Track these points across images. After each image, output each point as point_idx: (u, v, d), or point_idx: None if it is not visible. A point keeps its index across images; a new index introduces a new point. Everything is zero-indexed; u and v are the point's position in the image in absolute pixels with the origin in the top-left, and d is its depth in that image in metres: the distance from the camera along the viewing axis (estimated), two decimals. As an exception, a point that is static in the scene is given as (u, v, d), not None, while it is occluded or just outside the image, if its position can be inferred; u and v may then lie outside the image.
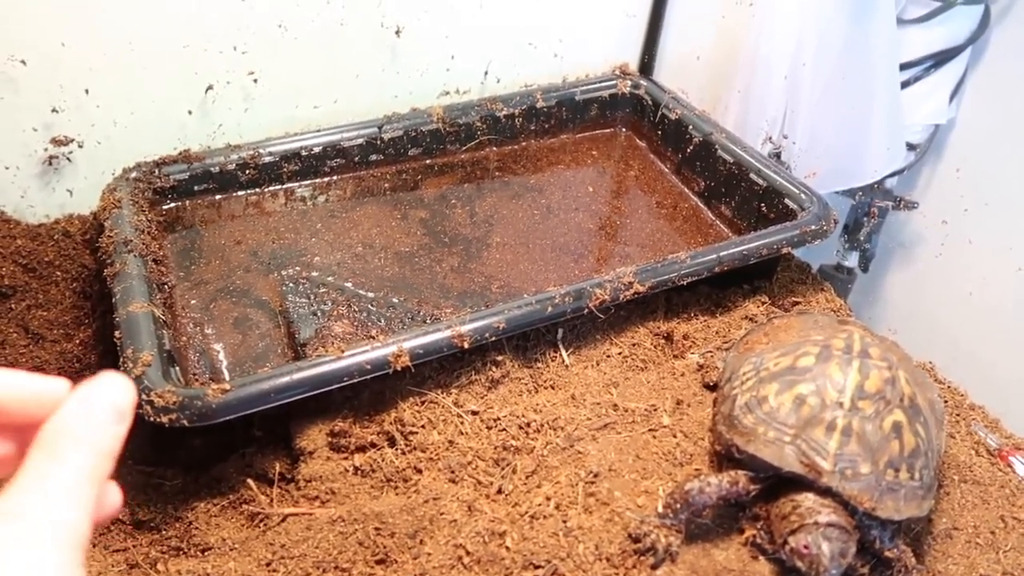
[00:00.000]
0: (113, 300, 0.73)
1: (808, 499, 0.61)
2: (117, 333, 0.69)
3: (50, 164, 0.89)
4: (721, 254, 0.82)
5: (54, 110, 0.86)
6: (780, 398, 0.65)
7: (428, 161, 1.05)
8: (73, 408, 0.32)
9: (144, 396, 0.63)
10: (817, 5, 1.04)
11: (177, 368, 0.70)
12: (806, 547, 0.58)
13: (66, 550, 0.29)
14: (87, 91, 0.87)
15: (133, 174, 0.90)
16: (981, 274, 1.18)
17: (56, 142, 0.88)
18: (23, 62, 0.82)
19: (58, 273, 0.87)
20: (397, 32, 0.99)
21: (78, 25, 0.83)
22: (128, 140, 0.91)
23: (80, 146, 0.90)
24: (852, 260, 1.30)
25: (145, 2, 0.84)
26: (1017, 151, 1.11)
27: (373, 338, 0.72)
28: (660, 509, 0.64)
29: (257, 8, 0.90)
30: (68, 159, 0.90)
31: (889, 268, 1.34)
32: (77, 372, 0.81)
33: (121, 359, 0.67)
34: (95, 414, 0.33)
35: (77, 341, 0.83)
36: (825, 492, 0.61)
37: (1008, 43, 1.10)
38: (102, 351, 0.82)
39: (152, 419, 0.62)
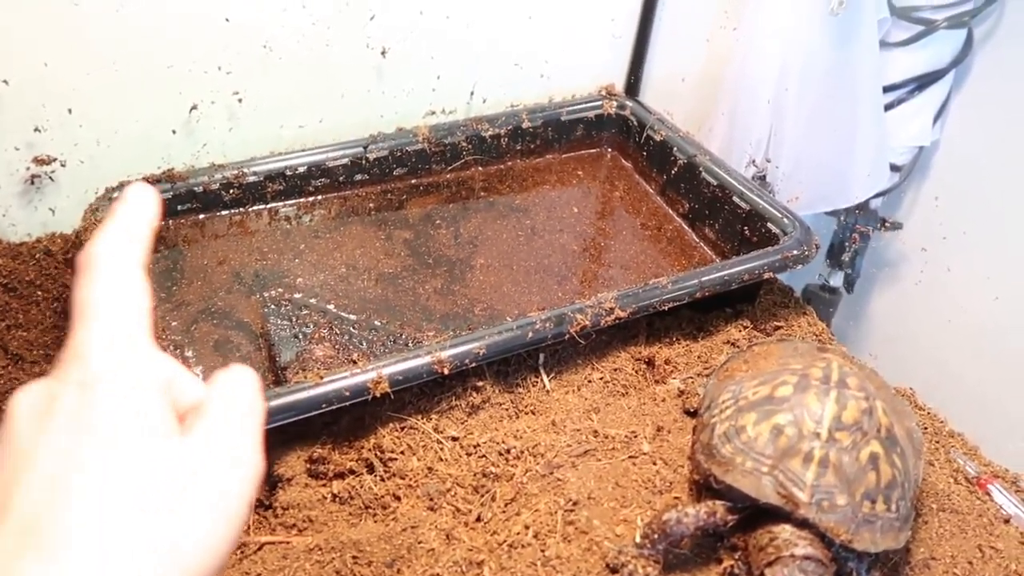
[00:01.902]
0: (92, 323, 0.73)
1: (785, 531, 0.61)
2: (95, 358, 0.69)
3: (32, 183, 0.89)
4: (703, 279, 0.82)
5: (37, 129, 0.86)
6: (758, 428, 0.65)
7: (413, 181, 1.05)
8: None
9: (120, 423, 0.62)
10: (801, 30, 1.04)
11: (155, 393, 0.69)
12: (782, 580, 0.58)
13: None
14: (70, 110, 0.86)
15: (116, 194, 0.90)
16: (959, 301, 1.19)
17: (38, 161, 0.88)
18: (5, 82, 0.82)
19: (39, 293, 0.87)
20: (383, 52, 0.99)
21: (61, 45, 0.82)
22: (111, 159, 0.91)
23: (63, 165, 0.89)
24: (837, 280, 1.31)
25: (129, 22, 0.84)
26: (995, 178, 1.12)
27: (354, 362, 0.71)
28: (638, 539, 0.64)
29: (242, 29, 0.90)
30: (50, 178, 0.90)
31: (873, 290, 1.35)
32: (56, 394, 0.80)
33: (98, 384, 0.66)
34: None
35: (58, 362, 0.82)
36: (802, 524, 0.61)
37: (990, 66, 1.11)
38: (81, 373, 0.82)
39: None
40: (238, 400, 0.36)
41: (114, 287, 0.36)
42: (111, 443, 0.31)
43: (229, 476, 0.33)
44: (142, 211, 0.40)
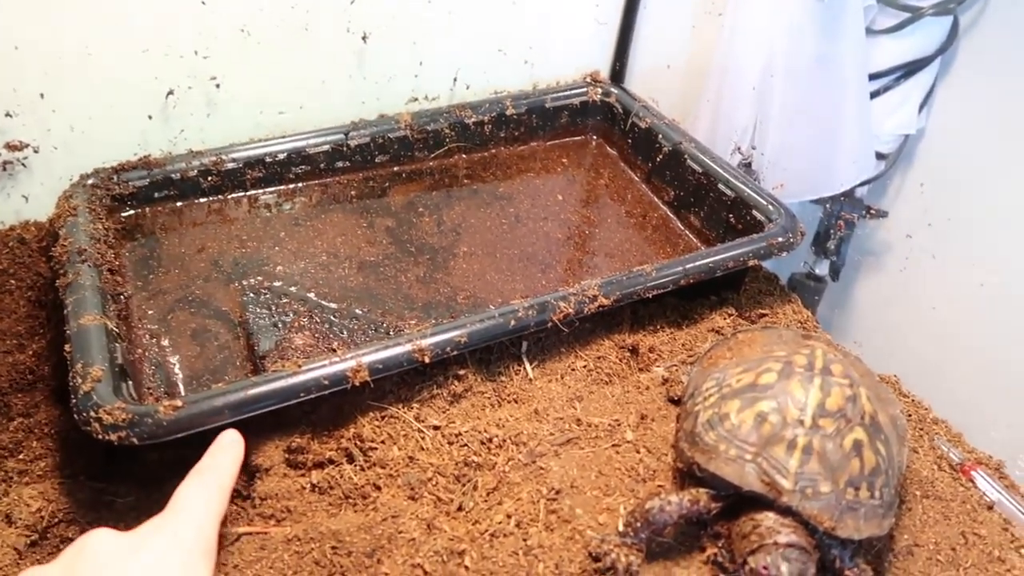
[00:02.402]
0: (65, 312, 0.71)
1: (768, 518, 0.60)
2: (67, 346, 0.68)
3: (4, 169, 0.87)
4: (687, 267, 0.82)
5: (8, 114, 0.84)
6: (742, 415, 0.64)
7: (396, 168, 1.04)
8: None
9: (92, 413, 0.61)
10: (786, 16, 1.04)
11: (130, 382, 0.68)
12: (765, 568, 0.57)
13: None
14: (42, 95, 0.85)
15: (90, 180, 0.88)
16: (944, 289, 1.19)
17: (10, 147, 0.86)
18: (-25, 66, 0.80)
19: (12, 282, 0.85)
20: (364, 38, 0.98)
21: (32, 28, 0.81)
22: (86, 145, 0.89)
23: (36, 151, 0.88)
24: (823, 268, 1.31)
25: (102, 5, 0.82)
26: (980, 165, 1.12)
27: (333, 351, 0.70)
28: (621, 527, 0.63)
29: (219, 12, 0.88)
30: (23, 164, 0.88)
31: (858, 279, 1.34)
32: (29, 384, 0.78)
33: (71, 373, 0.65)
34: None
35: (30, 352, 0.81)
36: (785, 511, 0.60)
37: (976, 53, 1.10)
38: (56, 362, 0.80)
39: (100, 437, 0.60)
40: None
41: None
42: None
43: None
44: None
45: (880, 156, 1.19)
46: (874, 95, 1.13)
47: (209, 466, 0.58)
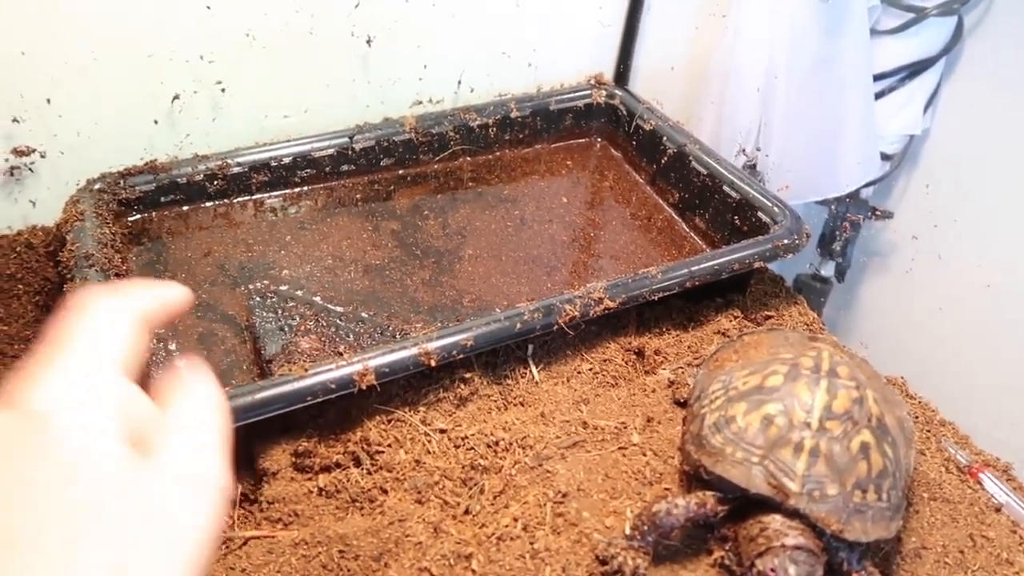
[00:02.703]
0: (72, 317, 0.72)
1: (776, 521, 0.60)
2: (75, 351, 0.68)
3: (11, 175, 0.88)
4: (693, 269, 0.82)
5: (15, 120, 0.85)
6: (748, 418, 0.64)
7: (400, 171, 1.04)
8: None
9: (100, 418, 0.61)
10: (790, 18, 1.04)
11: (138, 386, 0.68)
12: (773, 570, 0.57)
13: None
14: (49, 101, 0.85)
15: (97, 185, 0.88)
16: (950, 290, 1.19)
17: (18, 152, 0.86)
18: (-18, 71, 0.80)
19: (20, 286, 0.86)
20: (368, 41, 0.98)
21: (39, 34, 0.81)
22: (92, 150, 0.90)
23: (43, 156, 0.88)
24: (829, 269, 1.31)
25: (108, 10, 0.83)
26: (985, 166, 1.12)
27: (340, 355, 0.70)
28: (628, 531, 0.63)
29: (224, 17, 0.88)
30: (30, 169, 0.88)
31: (864, 280, 1.34)
32: (37, 389, 0.79)
33: (79, 378, 0.65)
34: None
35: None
36: (793, 514, 0.60)
37: (981, 54, 1.10)
38: (63, 367, 0.81)
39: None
40: (197, 417, 0.35)
41: (92, 325, 0.34)
42: (65, 474, 0.29)
43: (193, 497, 0.32)
44: (160, 295, 0.39)
45: (885, 157, 1.19)
46: (879, 96, 1.13)
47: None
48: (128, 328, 0.35)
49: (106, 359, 0.33)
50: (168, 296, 0.39)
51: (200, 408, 0.36)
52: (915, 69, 1.12)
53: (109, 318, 0.35)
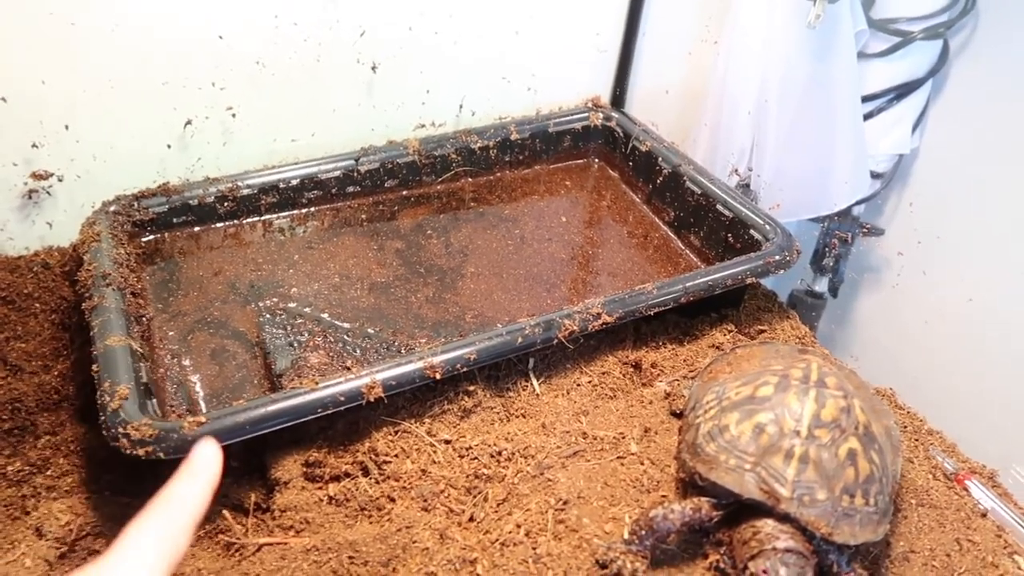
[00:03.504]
0: (91, 333, 0.74)
1: (768, 525, 0.63)
2: (95, 366, 0.71)
3: (30, 198, 0.91)
4: (687, 285, 0.85)
5: (34, 145, 0.88)
6: (740, 427, 0.67)
7: (404, 192, 1.08)
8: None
9: (121, 429, 0.64)
10: (780, 42, 1.07)
11: (154, 400, 0.71)
12: (765, 572, 0.60)
13: None
14: (67, 126, 0.88)
15: (112, 207, 0.92)
16: (935, 303, 1.22)
17: (36, 176, 0.90)
18: (3, 99, 0.84)
19: (37, 305, 0.88)
20: (373, 68, 1.02)
21: (58, 63, 0.85)
22: (108, 174, 0.93)
23: (60, 180, 0.91)
24: (822, 285, 1.33)
25: (125, 41, 0.86)
26: (967, 184, 1.15)
27: (348, 369, 0.73)
28: (626, 536, 0.66)
29: (235, 45, 0.92)
30: (48, 192, 0.92)
31: (856, 295, 1.37)
32: (55, 404, 0.82)
33: (99, 392, 0.68)
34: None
35: (55, 372, 0.84)
36: (784, 518, 0.63)
37: (966, 75, 1.14)
38: (80, 382, 0.83)
39: (129, 452, 0.63)
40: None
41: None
42: None
43: None
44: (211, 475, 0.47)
45: (876, 175, 1.22)
46: (868, 116, 1.16)
47: (169, 498, 0.45)
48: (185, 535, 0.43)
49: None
50: (206, 483, 0.46)
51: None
52: (903, 90, 1.15)
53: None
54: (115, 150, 0.93)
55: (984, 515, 0.75)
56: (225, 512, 0.70)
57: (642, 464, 0.74)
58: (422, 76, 1.06)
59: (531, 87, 1.15)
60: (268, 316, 0.88)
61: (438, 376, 0.73)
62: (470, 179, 1.11)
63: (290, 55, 0.96)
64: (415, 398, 0.77)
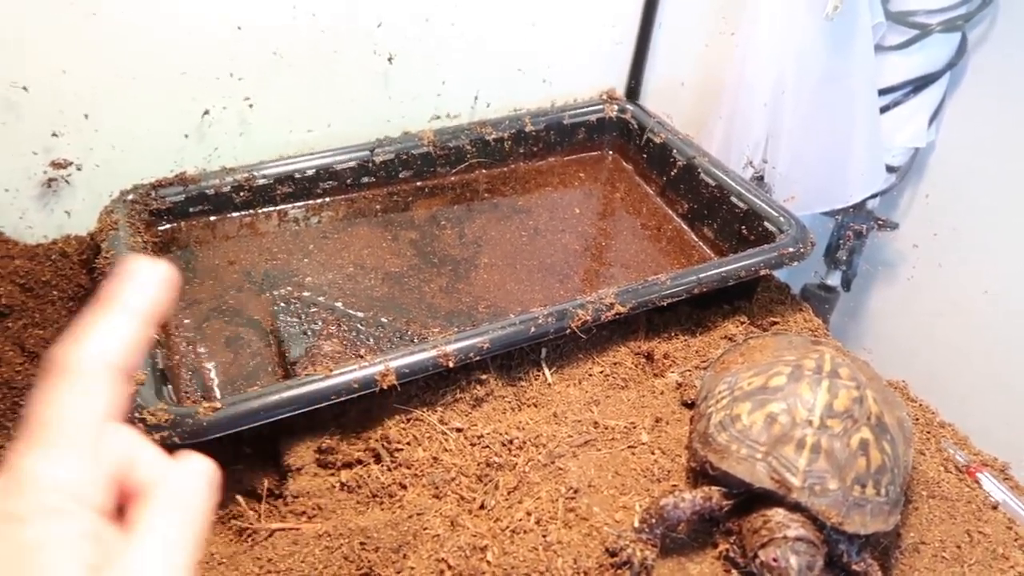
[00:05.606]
0: (109, 320, 0.75)
1: (778, 514, 0.63)
2: (112, 352, 0.71)
3: (49, 186, 0.92)
4: (701, 276, 0.85)
5: (54, 134, 0.89)
6: (752, 416, 0.67)
7: (419, 183, 1.08)
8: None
9: (137, 414, 0.65)
10: (797, 34, 1.07)
11: (170, 386, 0.72)
12: (775, 560, 0.60)
13: None
14: (86, 116, 0.89)
15: (130, 196, 0.93)
16: (950, 296, 1.21)
17: (55, 165, 0.91)
18: (25, 88, 0.85)
19: (55, 293, 0.90)
20: (389, 59, 1.02)
21: (78, 53, 0.85)
22: (126, 163, 0.94)
23: (79, 169, 0.92)
24: (835, 279, 1.33)
25: (144, 31, 0.87)
26: (984, 176, 1.14)
27: (361, 357, 0.74)
28: (636, 524, 0.66)
29: (253, 36, 0.93)
30: (67, 181, 0.93)
31: (869, 288, 1.37)
32: (73, 389, 0.82)
33: (116, 377, 0.69)
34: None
35: None
36: (795, 507, 0.63)
37: (984, 69, 1.13)
38: (98, 369, 0.84)
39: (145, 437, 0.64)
40: (184, 498, 0.33)
41: (76, 400, 0.32)
42: None
43: None
44: (142, 301, 0.34)
45: (891, 169, 1.21)
46: (884, 110, 1.15)
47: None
48: (109, 382, 0.32)
49: (85, 439, 0.31)
50: (153, 290, 0.34)
51: (187, 489, 0.33)
52: (920, 83, 1.15)
53: (88, 381, 0.32)
54: (134, 139, 0.93)
55: (995, 507, 0.75)
56: (238, 497, 0.71)
57: (653, 454, 0.74)
58: (438, 67, 1.06)
59: (546, 79, 1.15)
60: (282, 305, 0.89)
61: (451, 364, 0.74)
62: (484, 170, 1.12)
63: (307, 46, 0.96)
64: (427, 386, 0.77)
